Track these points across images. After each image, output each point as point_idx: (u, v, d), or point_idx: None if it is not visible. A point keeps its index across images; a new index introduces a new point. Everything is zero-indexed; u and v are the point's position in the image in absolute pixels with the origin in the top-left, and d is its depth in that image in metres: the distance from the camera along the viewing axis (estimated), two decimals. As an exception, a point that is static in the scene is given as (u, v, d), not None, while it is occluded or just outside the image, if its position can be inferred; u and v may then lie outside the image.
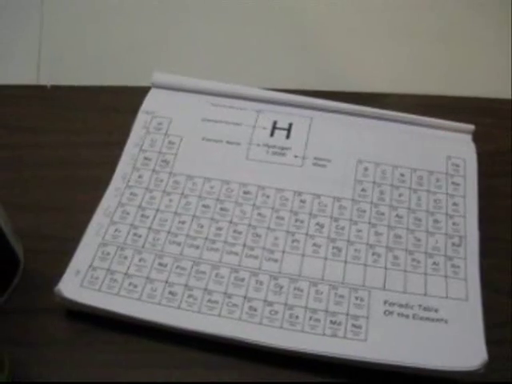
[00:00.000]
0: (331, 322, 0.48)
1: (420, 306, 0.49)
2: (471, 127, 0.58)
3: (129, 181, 0.55)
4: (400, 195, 0.54)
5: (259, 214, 0.53)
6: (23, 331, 0.49)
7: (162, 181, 0.55)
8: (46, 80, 0.65)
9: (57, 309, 0.50)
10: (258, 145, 0.57)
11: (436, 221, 0.53)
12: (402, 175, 0.55)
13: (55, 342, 0.49)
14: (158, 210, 0.54)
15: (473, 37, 0.67)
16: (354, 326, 0.48)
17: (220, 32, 0.66)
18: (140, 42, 0.66)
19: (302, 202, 0.54)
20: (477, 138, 0.58)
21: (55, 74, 0.65)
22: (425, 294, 0.49)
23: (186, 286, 0.49)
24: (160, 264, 0.51)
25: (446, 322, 0.48)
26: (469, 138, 0.58)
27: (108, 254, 0.51)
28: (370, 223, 0.53)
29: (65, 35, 0.67)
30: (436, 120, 0.59)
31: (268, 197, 0.54)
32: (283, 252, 0.51)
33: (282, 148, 0.57)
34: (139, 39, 0.66)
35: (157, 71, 0.61)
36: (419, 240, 0.52)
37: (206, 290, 0.49)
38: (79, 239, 0.52)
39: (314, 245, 0.52)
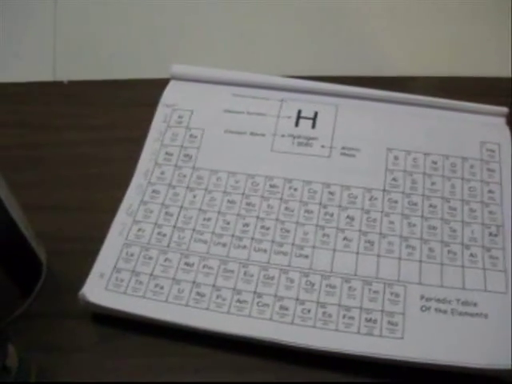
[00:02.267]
0: (366, 319, 0.46)
1: (458, 300, 0.47)
2: (505, 110, 0.56)
3: (151, 177, 0.54)
4: (433, 184, 0.52)
5: (287, 209, 0.51)
6: (49, 336, 0.48)
7: (185, 176, 0.53)
8: (63, 76, 0.63)
9: (83, 312, 0.48)
10: (283, 135, 0.55)
11: (471, 210, 0.51)
12: (435, 163, 0.53)
13: (82, 347, 0.48)
14: (182, 207, 0.52)
15: (500, 14, 0.64)
16: (389, 323, 0.46)
17: (239, 19, 0.64)
18: (157, 33, 0.64)
19: (331, 194, 0.52)
20: (509, 120, 0.56)
21: (72, 69, 0.63)
22: (463, 288, 0.47)
23: (213, 286, 0.48)
24: (186, 264, 0.49)
25: (485, 316, 0.46)
26: (502, 121, 0.56)
27: (132, 254, 0.49)
28: (402, 214, 0.51)
29: (80, 29, 0.65)
30: (467, 103, 0.56)
31: (295, 190, 0.52)
32: (313, 247, 0.49)
33: (308, 138, 0.55)
34: (156, 30, 0.64)
35: (175, 63, 0.59)
36: (455, 231, 0.50)
37: (234, 289, 0.48)
38: (103, 239, 0.51)
39: (345, 239, 0.50)
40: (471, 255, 0.49)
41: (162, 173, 0.54)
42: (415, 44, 0.64)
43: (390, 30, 0.65)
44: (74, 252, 0.52)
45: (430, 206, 0.51)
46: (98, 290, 0.48)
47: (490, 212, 0.51)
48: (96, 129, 0.60)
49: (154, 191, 0.53)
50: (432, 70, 0.62)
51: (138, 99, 0.61)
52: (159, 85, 0.60)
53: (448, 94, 0.58)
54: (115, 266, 0.49)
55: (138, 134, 0.57)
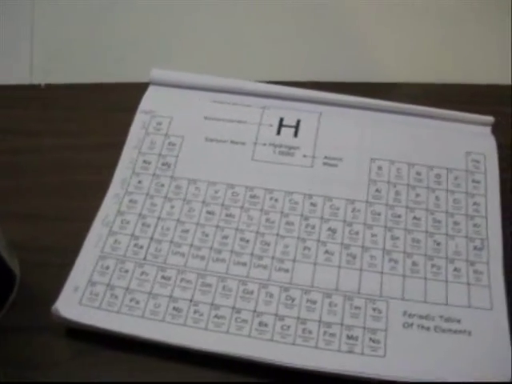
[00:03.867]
0: (347, 336, 0.45)
1: (441, 316, 0.46)
2: (490, 119, 0.55)
3: (128, 186, 0.52)
4: (417, 195, 0.51)
5: (267, 220, 0.50)
6: (21, 351, 0.46)
7: (163, 186, 0.52)
8: (40, 79, 0.61)
9: (57, 326, 0.46)
10: (264, 144, 0.54)
11: (456, 223, 0.50)
12: (419, 174, 0.52)
13: (56, 363, 0.46)
14: (159, 218, 0.50)
15: (486, 19, 0.62)
16: (371, 340, 0.45)
17: (221, 23, 0.63)
18: (138, 36, 0.62)
19: (313, 205, 0.51)
20: (495, 129, 0.55)
21: (49, 73, 0.61)
22: (446, 304, 0.46)
23: (191, 300, 0.46)
24: (163, 277, 0.48)
25: (469, 333, 0.45)
26: (488, 130, 0.55)
27: (107, 267, 0.48)
28: (385, 227, 0.50)
29: (57, 31, 0.63)
30: (452, 112, 0.55)
31: (276, 200, 0.51)
32: (294, 261, 0.48)
33: (290, 147, 0.54)
34: (137, 33, 0.62)
35: (155, 68, 0.58)
36: (439, 244, 0.49)
37: (212, 304, 0.46)
38: (79, 250, 0.49)
39: (327, 252, 0.48)
40: (455, 269, 0.48)
41: (140, 182, 0.52)
42: (401, 50, 0.63)
43: (376, 35, 0.64)
44: (50, 263, 0.50)
45: (414, 218, 0.50)
46: (71, 305, 0.46)
47: (475, 225, 0.50)
48: (73, 134, 0.58)
49: (131, 201, 0.51)
50: (417, 77, 0.61)
51: (117, 104, 0.59)
52: (139, 89, 0.58)
53: (433, 102, 0.57)
54: (90, 280, 0.47)
55: (116, 140, 0.56)
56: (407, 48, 0.63)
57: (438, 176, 0.52)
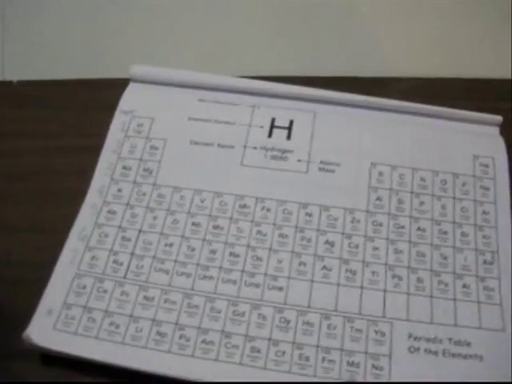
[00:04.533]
0: (348, 363, 0.41)
1: (450, 339, 0.42)
2: (499, 118, 0.50)
3: (106, 195, 0.48)
4: (421, 204, 0.47)
5: (259, 232, 0.46)
6: (-9, 380, 0.42)
7: (144, 194, 0.48)
8: (12, 75, 0.57)
9: (31, 353, 0.42)
10: (255, 148, 0.49)
11: (464, 234, 0.46)
12: (423, 180, 0.48)
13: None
14: (140, 231, 0.46)
15: (486, 13, 0.58)
16: (374, 367, 0.41)
17: (207, 16, 0.58)
18: (118, 29, 0.58)
19: (309, 215, 0.46)
20: (502, 127, 0.51)
21: (21, 68, 0.56)
22: (455, 325, 0.42)
23: (176, 324, 0.42)
24: (145, 298, 0.43)
25: (480, 358, 0.41)
26: (496, 131, 0.51)
27: (84, 287, 0.44)
28: (388, 239, 0.46)
29: (30, 23, 0.58)
30: (458, 111, 0.51)
31: (268, 210, 0.47)
32: (288, 278, 0.44)
33: (283, 151, 0.49)
34: (116, 26, 0.58)
35: (135, 64, 0.53)
36: (446, 258, 0.45)
37: (199, 328, 0.42)
38: (55, 265, 0.45)
39: (324, 268, 0.44)
40: (464, 286, 0.44)
41: (119, 190, 0.48)
42: (399, 42, 0.58)
43: (372, 26, 0.59)
44: (22, 279, 0.46)
45: (419, 229, 0.46)
46: (45, 330, 0.42)
47: (484, 236, 0.46)
48: (47, 136, 0.53)
49: (109, 212, 0.47)
50: (417, 71, 0.56)
51: (95, 102, 0.55)
52: (120, 86, 0.54)
53: (433, 98, 0.53)
54: (65, 301, 0.43)
55: (95, 142, 0.51)
56: (405, 41, 0.58)
57: (443, 182, 0.48)
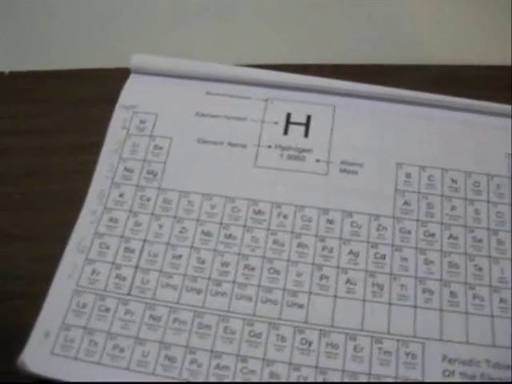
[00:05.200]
0: (377, 389, 0.37)
1: (488, 361, 0.38)
2: (535, 112, 0.46)
3: (107, 201, 0.43)
4: (453, 208, 0.43)
5: (275, 242, 0.42)
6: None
7: (148, 199, 0.43)
8: (3, 66, 0.52)
9: (27, 377, 0.38)
10: (269, 147, 0.45)
11: (500, 242, 0.42)
12: (454, 181, 0.44)
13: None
14: (145, 241, 0.42)
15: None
16: (405, 394, 0.37)
17: (217, 2, 0.53)
18: (117, 13, 0.53)
19: (330, 222, 0.42)
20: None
21: (14, 58, 0.52)
22: (493, 345, 0.39)
23: (186, 347, 0.38)
24: (152, 317, 0.39)
25: (523, 383, 0.37)
26: (533, 125, 0.46)
27: (85, 305, 0.40)
28: (417, 248, 0.41)
29: (23, 10, 0.53)
30: (492, 104, 0.46)
31: (285, 217, 0.42)
32: (309, 294, 0.40)
33: (300, 150, 0.45)
34: (116, 12, 0.53)
35: (136, 53, 0.48)
36: (481, 269, 0.41)
37: (212, 351, 0.38)
38: (52, 278, 0.41)
39: (349, 282, 0.40)
40: (501, 301, 0.40)
41: (121, 195, 0.44)
42: (424, 26, 0.54)
43: (387, 10, 0.54)
44: (16, 294, 0.42)
45: (451, 237, 0.42)
46: (41, 356, 0.38)
47: (523, 244, 0.42)
48: (42, 133, 0.49)
49: (110, 219, 0.43)
50: (445, 57, 0.51)
51: (94, 95, 0.50)
52: (121, 76, 0.49)
53: (463, 87, 0.48)
54: (63, 322, 0.39)
55: (93, 139, 0.47)
56: (432, 25, 0.53)
57: (476, 184, 0.44)
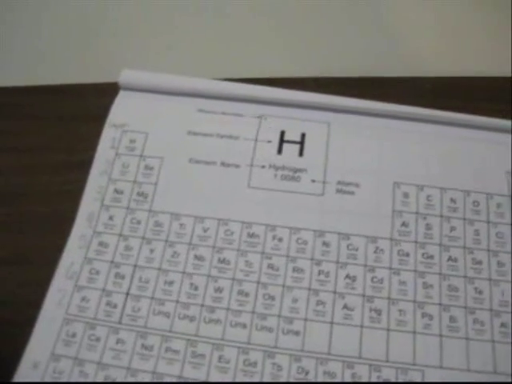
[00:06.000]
0: (376, 421, 0.36)
1: (489, 389, 0.37)
2: (535, 127, 0.45)
3: (96, 224, 0.42)
4: (452, 229, 0.42)
5: (270, 266, 0.40)
6: None
7: (139, 222, 0.42)
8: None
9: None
10: (263, 167, 0.44)
11: (500, 263, 0.41)
12: (453, 201, 0.43)
13: None
14: (136, 266, 0.41)
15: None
16: (405, 425, 0.36)
17: (206, 15, 0.51)
18: (105, 26, 0.52)
19: (326, 245, 0.41)
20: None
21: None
22: (494, 372, 0.38)
23: (179, 377, 0.37)
24: (144, 346, 0.38)
25: (525, 412, 0.36)
26: (533, 141, 0.45)
27: (74, 335, 0.39)
28: (415, 271, 0.40)
29: (7, 20, 0.52)
30: (489, 119, 0.45)
31: (280, 240, 0.41)
32: (305, 320, 0.39)
33: (295, 170, 0.44)
34: (103, 23, 0.52)
35: (125, 68, 0.47)
36: (481, 292, 0.40)
37: (207, 383, 0.37)
38: (39, 305, 0.40)
39: (346, 307, 0.39)
40: (502, 325, 0.39)
41: (111, 218, 0.42)
42: (418, 38, 0.52)
43: (389, 21, 0.53)
44: (2, 322, 0.40)
45: (450, 259, 0.41)
46: (29, 388, 0.37)
47: (524, 266, 0.41)
48: (28, 151, 0.47)
49: (100, 244, 0.41)
50: (440, 69, 0.50)
51: (82, 111, 0.48)
52: (109, 92, 0.48)
53: (460, 100, 0.47)
54: (53, 352, 0.38)
55: (82, 157, 0.46)
56: (426, 36, 0.52)
57: (476, 203, 0.42)
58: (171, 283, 0.40)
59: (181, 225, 0.42)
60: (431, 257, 0.41)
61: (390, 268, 0.41)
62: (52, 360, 0.38)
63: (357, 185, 0.43)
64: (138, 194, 0.43)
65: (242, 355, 0.38)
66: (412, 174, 0.43)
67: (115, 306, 0.39)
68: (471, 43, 0.52)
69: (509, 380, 0.37)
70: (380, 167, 0.44)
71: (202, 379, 0.37)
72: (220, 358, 0.38)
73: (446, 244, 0.41)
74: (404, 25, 0.53)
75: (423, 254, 0.41)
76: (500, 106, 0.47)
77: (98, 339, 0.38)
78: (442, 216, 0.42)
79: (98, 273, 0.41)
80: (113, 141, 0.45)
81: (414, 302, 0.40)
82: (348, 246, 0.41)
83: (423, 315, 0.39)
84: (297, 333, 0.39)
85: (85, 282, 0.40)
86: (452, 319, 0.39)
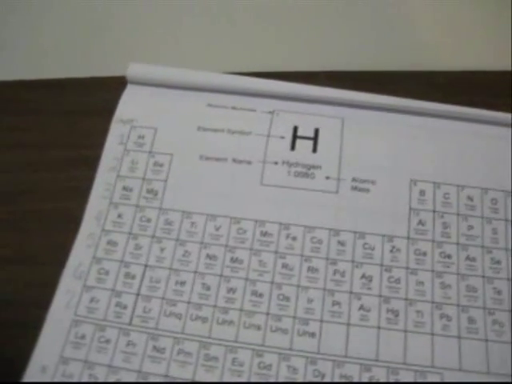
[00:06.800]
0: (394, 425, 0.35)
1: (511, 392, 0.36)
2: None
3: (105, 222, 0.41)
4: (470, 228, 0.41)
5: (284, 266, 0.39)
6: None
7: (149, 221, 0.41)
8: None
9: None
10: (276, 163, 0.43)
11: (519, 263, 0.40)
12: (471, 199, 0.42)
13: None
14: (146, 266, 0.40)
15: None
16: (425, 429, 0.35)
17: (214, 7, 0.50)
18: (111, 17, 0.51)
19: (341, 244, 0.40)
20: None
21: (1, 66, 0.49)
22: (515, 374, 0.36)
23: (192, 381, 0.36)
24: (155, 349, 0.37)
25: (548, 415, 0.35)
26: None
27: (83, 336, 0.37)
28: (433, 271, 0.39)
29: (8, 11, 0.51)
30: (506, 114, 0.44)
31: (294, 239, 0.40)
32: (321, 321, 0.38)
33: (309, 166, 0.43)
34: (109, 14, 0.51)
35: (132, 62, 0.46)
36: (499, 292, 0.39)
37: (220, 386, 0.36)
38: (47, 306, 0.39)
39: (362, 308, 0.38)
40: (522, 326, 0.38)
41: (120, 216, 0.41)
42: (435, 31, 0.51)
43: (402, 14, 0.52)
44: (10, 324, 0.39)
45: (468, 258, 0.40)
46: (38, 393, 0.36)
47: (543, 266, 0.40)
48: (33, 147, 0.46)
49: (109, 242, 0.40)
50: (457, 63, 0.49)
51: (88, 105, 0.47)
52: (116, 85, 0.47)
53: (477, 95, 0.46)
54: (61, 355, 0.37)
55: (88, 154, 0.45)
56: (442, 29, 0.51)
57: (494, 201, 0.41)
58: (183, 283, 0.39)
59: (192, 223, 0.41)
60: (449, 256, 0.40)
61: (407, 268, 0.40)
62: (61, 363, 0.37)
63: (372, 182, 0.42)
64: (148, 191, 0.42)
65: (256, 358, 0.37)
66: (428, 170, 0.42)
67: (125, 307, 0.38)
68: (472, 37, 0.51)
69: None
70: (395, 164, 0.43)
71: (216, 382, 0.36)
72: (233, 360, 0.37)
73: (463, 243, 0.40)
74: (412, 20, 0.52)
75: (441, 254, 0.40)
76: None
77: (107, 341, 0.37)
78: (459, 214, 0.41)
79: (107, 273, 0.39)
80: (121, 137, 0.44)
81: (432, 302, 0.39)
82: (364, 245, 0.40)
83: (441, 316, 0.38)
84: (312, 334, 0.38)
85: (94, 282, 0.39)
86: (471, 320, 0.38)
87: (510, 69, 0.47)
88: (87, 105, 0.47)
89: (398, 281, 0.39)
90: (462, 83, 0.48)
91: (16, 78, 0.49)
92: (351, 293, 0.39)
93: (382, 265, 0.40)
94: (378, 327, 0.38)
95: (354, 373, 0.37)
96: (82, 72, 0.48)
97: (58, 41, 0.51)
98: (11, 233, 0.43)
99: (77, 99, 0.48)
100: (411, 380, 0.36)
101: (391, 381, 0.36)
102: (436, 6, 0.52)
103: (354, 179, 0.42)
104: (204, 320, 0.38)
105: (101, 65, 0.49)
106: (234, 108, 0.45)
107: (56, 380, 0.36)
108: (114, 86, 0.47)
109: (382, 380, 0.36)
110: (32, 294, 0.40)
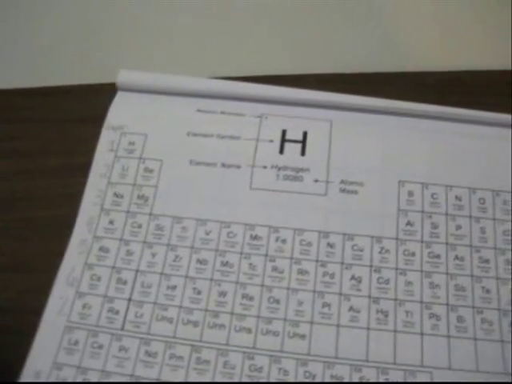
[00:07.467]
0: (384, 425, 0.35)
1: (500, 390, 0.36)
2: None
3: (96, 229, 0.41)
4: (458, 228, 0.41)
5: (274, 269, 0.40)
6: None
7: (140, 226, 0.41)
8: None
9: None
10: (265, 167, 0.43)
11: (508, 261, 0.40)
12: (459, 199, 0.42)
13: None
14: (138, 271, 0.40)
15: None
16: (415, 429, 0.35)
17: (203, 14, 0.50)
18: (102, 25, 0.51)
19: (331, 246, 0.40)
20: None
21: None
22: (505, 373, 0.37)
23: (186, 382, 0.37)
24: (147, 353, 0.38)
25: (537, 413, 0.36)
26: (541, 136, 0.44)
27: (76, 342, 0.38)
28: (422, 271, 0.40)
29: (0, 21, 0.51)
30: (493, 114, 0.45)
31: (284, 242, 0.41)
32: (311, 323, 0.38)
33: (297, 170, 0.43)
34: (100, 22, 0.51)
35: (122, 68, 0.46)
36: (488, 291, 0.39)
37: (212, 389, 0.36)
38: (41, 312, 0.39)
39: (352, 309, 0.39)
40: (511, 325, 0.38)
41: (111, 222, 0.42)
42: (420, 32, 0.52)
43: (388, 16, 0.52)
44: (3, 330, 0.40)
45: (456, 258, 0.40)
46: (32, 399, 0.36)
47: (532, 265, 0.40)
48: (26, 155, 0.46)
49: (101, 249, 0.41)
50: (431, 64, 0.49)
51: (80, 112, 0.48)
52: (108, 92, 0.47)
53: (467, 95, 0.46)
54: (55, 361, 0.37)
55: (80, 160, 0.45)
56: (428, 30, 0.51)
57: (482, 201, 0.42)
58: (174, 288, 0.39)
59: (182, 228, 0.41)
60: (437, 256, 0.40)
61: (396, 268, 0.40)
62: (54, 369, 0.37)
63: (361, 184, 0.42)
64: (139, 197, 0.42)
65: (247, 360, 0.37)
66: (416, 171, 0.43)
67: (117, 313, 0.39)
68: (474, 37, 0.51)
69: (518, 380, 0.37)
70: (384, 165, 0.43)
71: (208, 386, 0.37)
72: (225, 363, 0.37)
73: (452, 243, 0.41)
74: (405, 19, 0.52)
75: (429, 254, 0.40)
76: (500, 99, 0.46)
77: (100, 347, 0.38)
78: (447, 214, 0.42)
79: (99, 279, 0.40)
80: (111, 143, 0.44)
81: (421, 302, 0.39)
82: (353, 247, 0.40)
83: (430, 316, 0.39)
84: (303, 336, 0.38)
85: (86, 288, 0.40)
86: (460, 319, 0.39)
87: (510, 68, 0.48)
88: (80, 112, 0.48)
89: (387, 281, 0.40)
90: (452, 84, 0.49)
91: (9, 86, 0.49)
92: (341, 294, 0.39)
93: (371, 266, 0.40)
94: (368, 328, 0.38)
95: (344, 373, 0.37)
96: (74, 79, 0.48)
97: (49, 49, 0.51)
98: (6, 240, 0.43)
99: (69, 106, 0.48)
100: (401, 380, 0.37)
101: (381, 381, 0.37)
102: (431, 7, 0.53)
103: (342, 181, 0.42)
104: (195, 324, 0.38)
105: (92, 72, 0.49)
106: (223, 113, 0.45)
107: (50, 386, 0.37)
108: (106, 93, 0.47)
109: (372, 380, 0.37)
110: (26, 301, 0.40)
